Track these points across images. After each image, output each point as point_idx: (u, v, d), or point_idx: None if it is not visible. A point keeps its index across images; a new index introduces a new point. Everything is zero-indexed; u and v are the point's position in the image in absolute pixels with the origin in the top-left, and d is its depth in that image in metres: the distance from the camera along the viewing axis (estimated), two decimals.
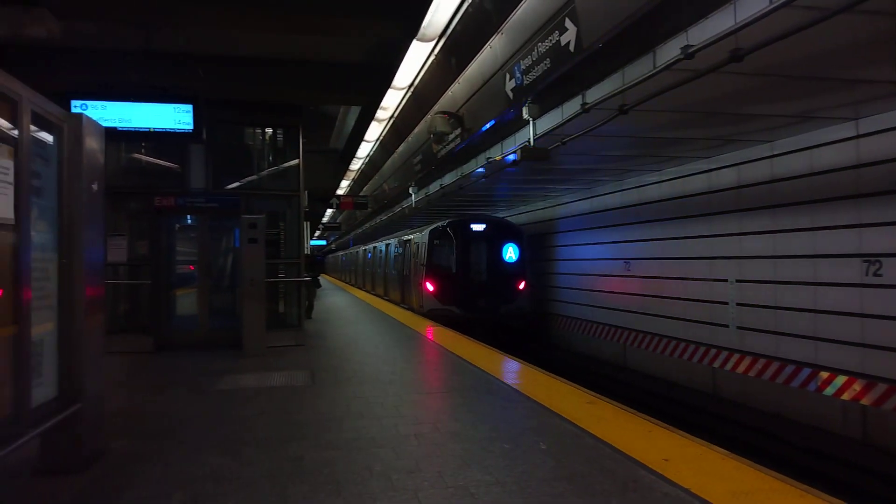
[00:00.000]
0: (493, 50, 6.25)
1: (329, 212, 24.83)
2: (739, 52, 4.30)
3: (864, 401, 7.37)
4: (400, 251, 18.44)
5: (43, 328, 3.87)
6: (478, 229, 15.61)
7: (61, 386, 4.06)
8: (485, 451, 4.54)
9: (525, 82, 5.60)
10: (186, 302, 10.24)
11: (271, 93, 9.26)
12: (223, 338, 9.78)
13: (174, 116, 6.89)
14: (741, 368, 9.29)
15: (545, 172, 10.96)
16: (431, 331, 12.13)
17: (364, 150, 12.69)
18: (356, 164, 14.79)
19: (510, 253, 15.68)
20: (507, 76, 6.02)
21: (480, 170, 9.99)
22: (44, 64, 7.73)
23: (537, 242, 16.71)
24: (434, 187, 13.35)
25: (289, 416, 5.65)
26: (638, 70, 5.60)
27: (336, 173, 17.20)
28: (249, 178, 10.17)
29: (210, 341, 9.82)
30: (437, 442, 4.81)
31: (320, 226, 26.31)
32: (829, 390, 7.83)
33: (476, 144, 9.51)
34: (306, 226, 21.55)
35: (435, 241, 15.52)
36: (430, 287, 15.38)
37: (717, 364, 9.82)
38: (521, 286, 15.63)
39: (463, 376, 7.39)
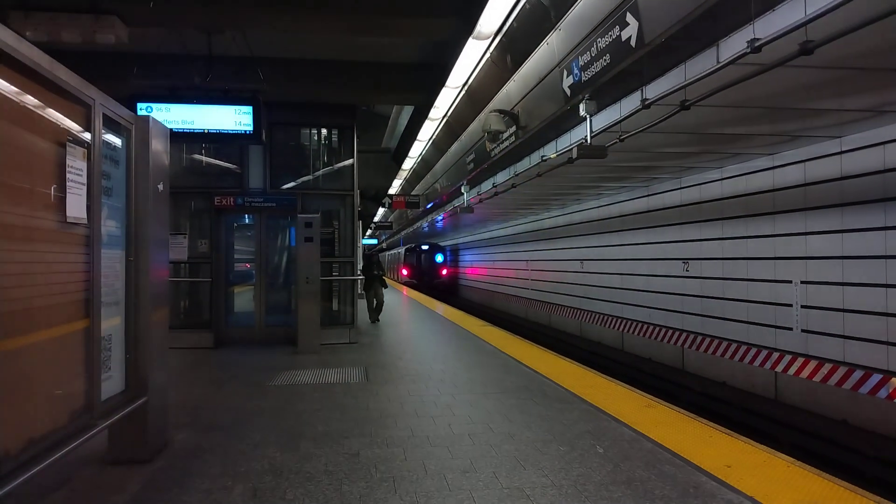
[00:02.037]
0: (549, 46, 6.16)
1: (381, 211, 25.07)
2: (810, 44, 4.11)
3: None
4: (395, 255, 41.93)
5: (111, 323, 4.02)
6: (424, 248, 36.92)
7: (128, 380, 4.20)
8: (540, 454, 4.50)
9: (583, 78, 5.50)
10: (244, 299, 10.50)
11: (328, 94, 9.39)
12: (279, 335, 10.00)
13: (234, 118, 7.06)
14: (805, 373, 8.94)
15: (600, 171, 10.79)
16: (480, 329, 12.10)
17: (417, 149, 12.73)
18: (408, 164, 14.85)
19: (438, 258, 36.77)
20: (565, 73, 5.93)
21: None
22: (111, 68, 8.02)
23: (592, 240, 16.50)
24: (486, 186, 13.29)
25: (344, 413, 5.71)
26: (700, 65, 5.43)
27: (388, 173, 17.33)
28: (305, 178, 10.35)
29: (266, 338, 10.04)
30: (491, 442, 4.78)
31: (372, 225, 26.58)
32: None
33: (530, 142, 9.42)
34: (359, 225, 21.93)
35: (407, 253, 38.06)
36: (404, 272, 38.18)
37: (779, 368, 9.48)
38: (444, 272, 36.72)
39: (517, 377, 7.33)
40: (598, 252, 16.34)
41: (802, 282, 9.14)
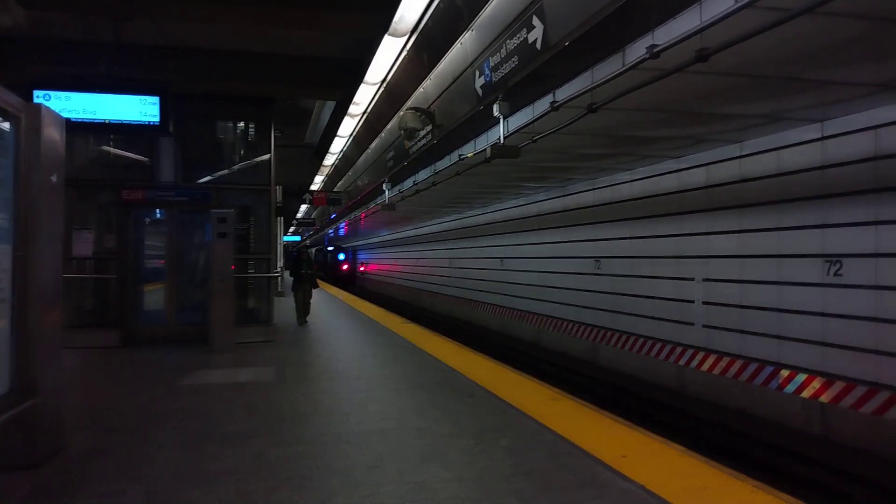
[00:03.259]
0: (463, 46, 6.25)
1: (304, 207, 24.69)
2: (705, 51, 4.35)
3: (823, 398, 7.53)
4: (311, 252, 39.59)
5: None
6: (330, 248, 47.52)
7: (15, 381, 3.99)
8: (447, 448, 4.57)
9: (494, 79, 5.62)
10: (155, 297, 10.13)
11: (245, 86, 9.19)
12: (192, 333, 9.69)
13: (140, 108, 6.79)
14: (706, 366, 9.43)
15: (520, 171, 11.01)
16: (400, 326, 12.14)
17: (338, 145, 12.62)
18: (330, 160, 14.70)
19: (340, 256, 46.51)
20: (477, 73, 6.04)
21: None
22: (7, 53, 7.57)
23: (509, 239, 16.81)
24: (408, 184, 13.32)
25: (255, 413, 5.62)
26: (607, 69, 5.63)
27: (311, 168, 17.10)
28: (220, 173, 10.08)
29: (179, 337, 9.72)
30: (401, 438, 4.82)
31: (294, 221, 26.11)
32: (790, 388, 7.99)
33: (450, 141, 9.51)
34: (280, 221, 21.50)
35: (318, 251, 49.58)
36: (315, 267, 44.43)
37: (683, 362, 9.96)
38: (345, 266, 46.28)
39: (431, 373, 7.41)
40: (517, 250, 16.68)
41: (704, 279, 9.63)
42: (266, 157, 10.13)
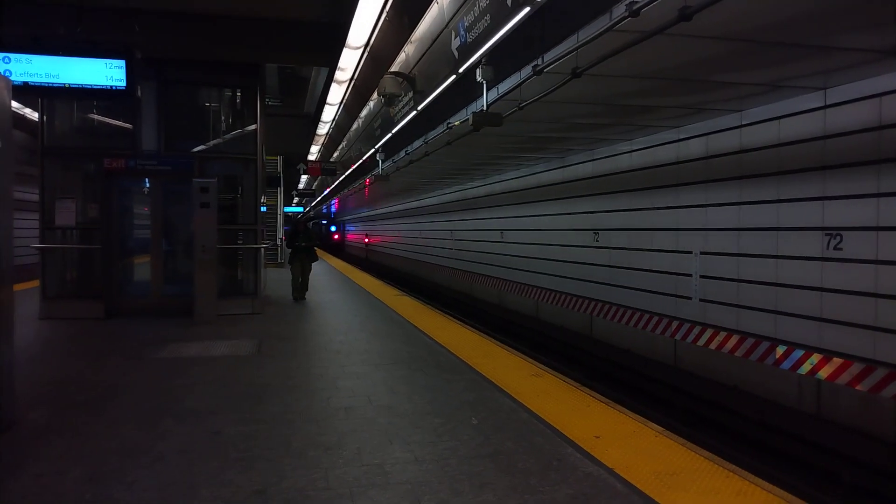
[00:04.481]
0: (440, 6, 5.92)
1: (305, 178, 24.43)
2: (688, 10, 4.02)
3: (819, 375, 7.29)
4: (310, 224, 47.96)
5: None
6: (324, 221, 57.27)
7: None
8: (413, 427, 4.38)
9: (469, 40, 5.31)
10: (139, 268, 9.97)
11: (226, 52, 8.88)
12: (177, 305, 9.53)
13: (106, 73, 6.50)
14: (702, 341, 9.20)
15: (518, 141, 10.68)
16: (394, 298, 11.96)
17: (329, 113, 12.30)
18: (323, 129, 14.38)
19: (332, 229, 57.21)
20: (453, 34, 5.72)
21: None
22: None
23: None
24: (402, 155, 13.01)
25: (222, 388, 5.45)
26: (593, 31, 5.31)
27: (310, 138, 16.81)
28: (205, 141, 9.81)
29: (163, 308, 9.57)
30: (366, 416, 4.63)
31: (293, 192, 25.83)
32: (786, 364, 7.76)
33: (441, 110, 9.19)
34: (280, 191, 21.25)
35: (313, 223, 46.72)
36: None
37: (678, 336, 9.73)
38: (336, 237, 56.35)
39: (415, 347, 7.23)
40: (517, 222, 16.38)
41: (702, 252, 9.35)
42: (253, 125, 9.84)
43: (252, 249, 9.90)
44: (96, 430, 4.31)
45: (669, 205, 10.08)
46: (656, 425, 4.45)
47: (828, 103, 7.32)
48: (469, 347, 7.20)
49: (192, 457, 3.81)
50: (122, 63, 6.52)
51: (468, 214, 20.32)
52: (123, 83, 6.55)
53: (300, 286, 12.04)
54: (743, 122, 8.55)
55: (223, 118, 10.12)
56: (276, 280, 14.85)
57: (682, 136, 9.70)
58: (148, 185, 9.87)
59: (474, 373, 5.97)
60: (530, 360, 6.62)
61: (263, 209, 11.40)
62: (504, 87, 7.14)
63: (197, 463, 3.71)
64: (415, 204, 27.98)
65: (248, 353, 6.91)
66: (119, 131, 9.52)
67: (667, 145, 10.04)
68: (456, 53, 5.79)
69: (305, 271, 12.07)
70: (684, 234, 9.73)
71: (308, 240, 12.16)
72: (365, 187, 17.28)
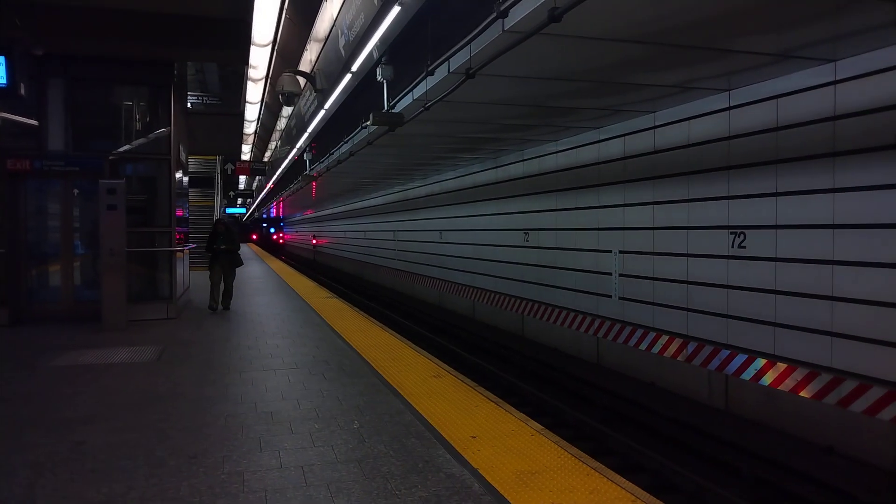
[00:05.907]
0: (330, 4, 5.85)
1: (242, 178, 24.01)
2: (556, 11, 4.03)
3: (727, 370, 7.44)
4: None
5: None
6: (265, 223, 64.70)
7: None
8: (289, 433, 4.28)
9: (350, 38, 5.24)
10: (49, 273, 9.59)
11: (134, 48, 8.60)
12: (89, 311, 9.18)
13: None
14: (622, 339, 9.32)
15: (452, 141, 10.65)
16: (321, 301, 11.81)
17: (252, 112, 12.08)
18: (250, 128, 14.13)
19: (272, 230, 64.03)
20: (339, 32, 5.64)
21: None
22: None
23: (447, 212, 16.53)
24: (335, 155, 12.86)
25: (105, 397, 5.26)
26: (487, 36, 5.30)
27: (240, 138, 16.50)
28: (115, 141, 9.48)
29: (75, 314, 9.23)
30: (245, 424, 4.51)
31: (230, 193, 25.39)
32: (697, 360, 7.90)
33: (363, 110, 9.10)
34: (217, 192, 20.82)
35: (252, 225, 62.82)
36: (253, 237, 63.07)
37: (601, 334, 9.85)
38: (277, 237, 61.95)
39: (324, 351, 7.12)
40: (455, 223, 16.39)
41: (621, 251, 9.47)
42: (167, 124, 9.56)
43: (166, 252, 9.61)
44: None
45: (592, 204, 10.20)
46: (536, 423, 4.45)
47: (731, 104, 7.49)
48: (380, 350, 7.12)
49: (44, 469, 3.64)
50: (1, 60, 6.23)
51: (410, 215, 20.27)
52: (4, 80, 6.26)
53: (224, 294, 10.94)
54: (657, 123, 8.69)
55: (136, 117, 9.80)
56: (206, 285, 14.48)
57: (602, 137, 9.82)
58: (57, 186, 9.49)
59: (376, 376, 5.89)
60: (438, 361, 6.58)
61: (186, 212, 11.03)
62: (419, 89, 7.10)
63: (45, 476, 3.54)
64: (360, 204, 27.78)
65: (146, 359, 6.69)
66: (25, 130, 9.13)
67: (589, 146, 10.15)
68: (343, 52, 5.71)
69: (228, 277, 10.97)
70: (605, 233, 9.86)
71: (230, 242, 11.00)
72: (300, 188, 17.04)
